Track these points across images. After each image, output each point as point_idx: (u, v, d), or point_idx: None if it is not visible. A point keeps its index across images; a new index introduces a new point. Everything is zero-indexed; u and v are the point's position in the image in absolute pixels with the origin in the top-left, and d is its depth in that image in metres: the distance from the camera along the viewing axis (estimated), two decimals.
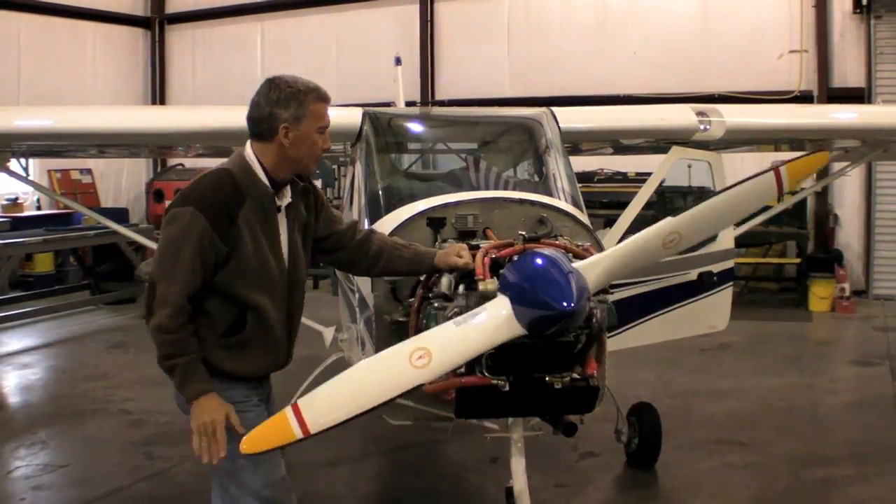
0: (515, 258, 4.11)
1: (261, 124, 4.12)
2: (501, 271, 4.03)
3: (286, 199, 4.20)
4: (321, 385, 3.70)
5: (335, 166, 17.01)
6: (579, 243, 4.73)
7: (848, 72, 15.74)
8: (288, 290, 4.21)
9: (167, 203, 17.63)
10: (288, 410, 3.60)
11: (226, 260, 3.97)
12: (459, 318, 3.90)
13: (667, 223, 3.95)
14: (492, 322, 3.83)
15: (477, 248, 4.48)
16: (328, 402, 3.66)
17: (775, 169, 3.92)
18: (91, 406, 9.37)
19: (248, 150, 4.15)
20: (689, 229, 3.98)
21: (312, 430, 3.58)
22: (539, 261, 3.86)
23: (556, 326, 3.74)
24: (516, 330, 3.81)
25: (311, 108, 4.09)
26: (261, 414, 4.14)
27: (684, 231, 3.97)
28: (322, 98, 4.16)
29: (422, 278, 4.61)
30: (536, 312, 3.72)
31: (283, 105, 4.06)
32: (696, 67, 16.15)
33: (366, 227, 5.27)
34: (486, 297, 4.06)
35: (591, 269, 3.99)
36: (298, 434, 3.57)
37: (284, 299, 4.19)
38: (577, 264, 3.96)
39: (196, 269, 3.89)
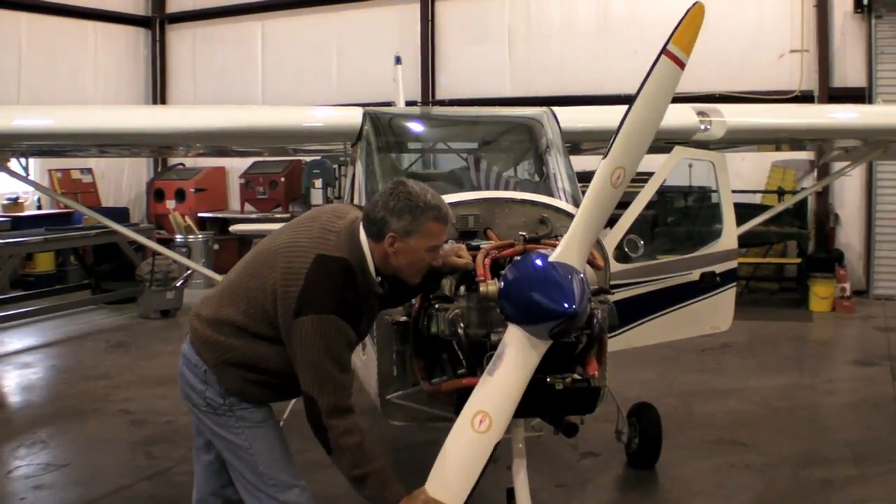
0: (516, 259, 4.11)
1: (372, 225, 4.03)
2: (502, 272, 4.03)
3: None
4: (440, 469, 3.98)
5: (335, 166, 17.02)
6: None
7: (849, 72, 15.72)
8: None
9: (169, 203, 17.54)
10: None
11: None
12: (490, 367, 3.90)
13: (604, 165, 3.84)
14: (520, 354, 3.83)
15: (477, 248, 4.48)
16: (452, 482, 3.94)
17: (664, 52, 3.87)
18: (91, 406, 9.37)
19: (363, 238, 4.06)
20: (625, 158, 3.87)
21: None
22: (539, 263, 3.86)
23: (558, 328, 3.74)
24: (543, 345, 3.85)
25: (426, 226, 3.99)
26: (271, 412, 4.31)
27: (623, 162, 3.87)
28: (441, 218, 4.04)
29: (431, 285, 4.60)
30: (543, 321, 3.72)
31: (398, 215, 3.96)
32: (696, 67, 15.79)
33: None
34: (487, 298, 4.06)
35: (570, 250, 3.93)
36: None
37: None
38: (554, 255, 3.90)
39: (350, 369, 3.97)
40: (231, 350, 4.08)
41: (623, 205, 6.71)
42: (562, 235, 4.84)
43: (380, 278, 4.12)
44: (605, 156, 3.83)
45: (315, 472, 7.12)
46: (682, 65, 3.73)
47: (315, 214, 4.29)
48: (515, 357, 3.84)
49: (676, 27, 3.72)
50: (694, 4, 3.79)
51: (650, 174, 6.79)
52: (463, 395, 4.21)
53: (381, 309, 4.35)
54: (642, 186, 6.68)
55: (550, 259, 3.86)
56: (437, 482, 3.95)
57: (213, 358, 4.11)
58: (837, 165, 10.38)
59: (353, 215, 4.17)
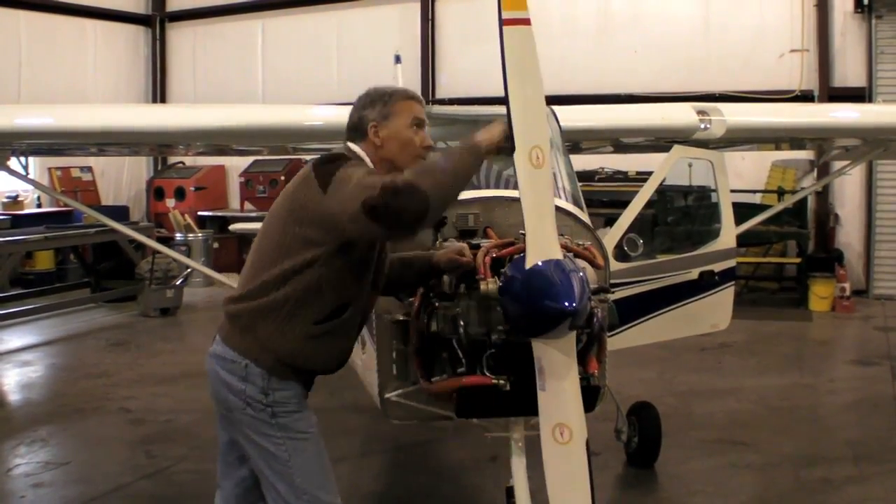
0: (516, 257, 4.10)
1: (354, 130, 4.12)
2: (502, 270, 4.03)
3: None
4: None
5: None
6: (580, 242, 4.72)
7: (849, 71, 15.73)
8: (369, 293, 4.12)
9: (169, 201, 17.56)
10: None
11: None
12: (540, 383, 3.87)
13: (516, 156, 3.78)
14: (559, 358, 3.83)
15: (478, 247, 4.47)
16: None
17: (502, 23, 3.89)
18: (91, 404, 9.37)
19: (353, 144, 4.12)
20: (533, 136, 3.83)
21: None
22: (538, 261, 3.85)
23: (558, 326, 3.74)
24: (570, 340, 3.84)
25: (398, 104, 4.09)
26: (314, 420, 4.11)
27: (535, 140, 3.81)
28: (410, 96, 4.17)
29: (431, 282, 4.59)
30: (538, 312, 3.72)
31: (370, 106, 4.08)
32: (697, 66, 16.13)
33: None
34: (488, 296, 4.06)
35: (537, 245, 3.85)
36: None
37: (366, 302, 4.11)
38: (528, 261, 3.84)
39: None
40: (282, 303, 3.86)
41: (623, 204, 6.74)
42: (562, 234, 4.87)
43: None
44: (511, 146, 3.79)
45: None
46: (527, 22, 3.72)
47: None
48: (557, 362, 3.83)
49: None
50: None
51: (649, 173, 6.79)
52: (463, 393, 4.21)
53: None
54: (641, 185, 6.69)
55: (526, 265, 3.82)
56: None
57: (265, 325, 3.89)
58: (837, 165, 10.38)
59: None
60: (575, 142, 7.43)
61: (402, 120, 4.08)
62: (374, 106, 4.08)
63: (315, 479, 4.01)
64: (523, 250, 4.21)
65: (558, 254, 3.80)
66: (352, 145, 4.11)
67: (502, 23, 3.62)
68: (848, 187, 15.66)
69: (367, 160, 4.03)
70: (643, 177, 12.77)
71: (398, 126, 4.07)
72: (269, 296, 3.89)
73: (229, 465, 4.25)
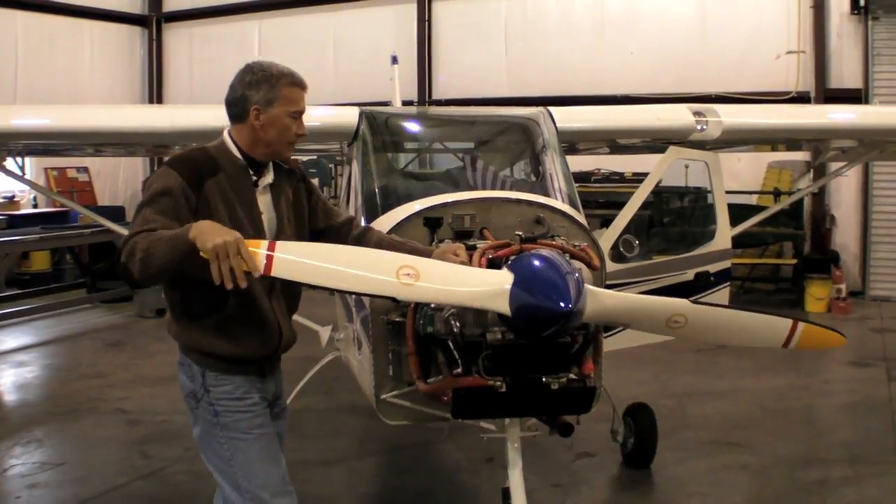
0: (513, 258, 4.10)
1: (234, 106, 4.15)
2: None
3: (268, 178, 4.20)
4: (306, 244, 3.79)
5: (332, 165, 17.00)
6: (576, 243, 4.73)
7: (845, 73, 15.75)
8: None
9: None
10: (263, 244, 3.54)
11: (193, 213, 3.87)
12: (463, 267, 3.95)
13: (680, 304, 4.01)
14: (488, 285, 3.83)
15: (474, 248, 4.47)
16: (302, 260, 3.60)
17: (795, 321, 3.98)
18: (87, 405, 9.36)
19: (225, 133, 4.19)
20: (696, 321, 4.04)
21: (274, 273, 3.53)
22: (535, 262, 3.86)
23: (554, 327, 3.74)
24: (503, 307, 3.81)
25: (284, 91, 4.12)
26: (261, 418, 4.10)
27: (690, 319, 4.02)
28: (295, 83, 4.18)
29: None
30: (533, 309, 3.72)
31: (255, 87, 4.10)
32: (693, 68, 16.14)
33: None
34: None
35: (594, 298, 3.95)
36: (260, 269, 3.48)
37: (262, 284, 4.05)
38: (589, 289, 3.93)
39: (169, 213, 3.78)
40: (173, 302, 4.04)
41: (619, 205, 6.75)
42: (558, 235, 4.87)
43: (265, 170, 4.19)
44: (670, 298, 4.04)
45: (310, 471, 7.14)
46: (786, 344, 4.37)
47: None
48: (482, 283, 3.86)
49: (818, 325, 4.33)
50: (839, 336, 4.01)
51: (646, 174, 6.79)
52: (459, 394, 4.21)
53: (290, 210, 4.29)
54: (637, 186, 6.69)
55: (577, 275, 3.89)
56: (299, 252, 3.65)
57: (173, 326, 4.10)
58: (833, 166, 10.38)
59: None
60: (571, 143, 7.43)
61: (285, 108, 4.12)
62: (259, 88, 4.10)
63: (257, 479, 4.02)
64: (519, 251, 4.22)
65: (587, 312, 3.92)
66: (224, 135, 4.17)
67: (797, 322, 4.22)
68: (844, 188, 15.68)
69: (233, 147, 4.11)
70: (639, 178, 12.79)
71: (279, 114, 4.11)
72: (168, 297, 4.07)
73: None
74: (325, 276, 3.61)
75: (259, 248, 3.50)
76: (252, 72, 4.17)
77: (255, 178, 4.14)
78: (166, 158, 4.14)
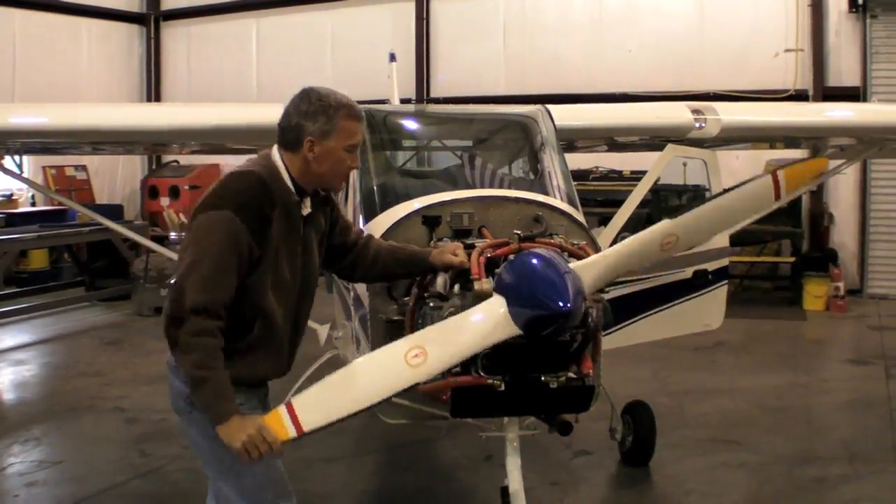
0: (511, 258, 4.10)
1: (287, 134, 4.01)
2: (497, 271, 4.03)
3: (307, 208, 4.09)
4: (316, 383, 3.68)
5: None
6: (575, 242, 4.73)
7: (843, 71, 15.75)
8: (298, 298, 4.11)
9: (163, 200, 17.49)
10: (282, 409, 3.57)
11: (255, 265, 3.84)
12: (456, 318, 3.89)
13: (665, 225, 3.92)
14: (488, 322, 3.81)
15: (472, 246, 4.47)
16: (323, 401, 3.63)
17: (773, 173, 3.89)
18: (85, 403, 9.36)
19: (276, 154, 4.04)
20: (686, 232, 3.95)
21: (306, 428, 3.56)
22: (535, 261, 3.86)
23: (553, 326, 3.74)
24: (512, 330, 3.80)
25: (341, 124, 3.99)
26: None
27: (682, 233, 3.94)
28: (354, 116, 4.04)
29: (417, 277, 4.60)
30: (532, 312, 3.72)
31: (311, 118, 3.96)
32: (691, 65, 16.14)
33: (361, 225, 5.28)
34: (482, 296, 4.06)
35: (589, 269, 3.96)
36: (292, 433, 3.55)
37: (294, 308, 4.09)
38: (574, 265, 3.94)
39: (234, 273, 3.75)
40: None
41: (617, 203, 6.75)
42: (557, 234, 4.87)
43: (307, 201, 4.09)
44: (672, 217, 3.91)
45: (309, 469, 7.14)
46: (778, 196, 3.83)
47: None
48: (484, 324, 3.82)
49: (796, 162, 3.79)
50: (819, 158, 3.90)
51: (644, 172, 6.79)
52: (457, 393, 4.21)
53: (318, 239, 4.24)
54: (636, 184, 6.69)
55: (571, 265, 3.88)
56: (313, 397, 3.68)
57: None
58: (832, 164, 10.39)
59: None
60: (570, 141, 7.43)
61: (341, 141, 4.01)
62: (317, 119, 3.96)
63: (258, 481, 3.99)
64: (518, 250, 4.22)
65: (587, 286, 3.93)
66: (276, 157, 4.03)
67: (773, 173, 3.91)
68: (842, 186, 15.68)
69: (286, 175, 4.00)
70: (637, 176, 12.78)
71: (335, 147, 4.00)
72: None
73: None
74: (350, 403, 3.64)
75: (282, 419, 3.56)
76: (309, 100, 4.00)
77: (302, 212, 4.06)
78: (221, 190, 3.86)
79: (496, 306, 3.82)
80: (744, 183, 3.94)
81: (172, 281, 3.74)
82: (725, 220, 3.99)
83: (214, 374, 3.66)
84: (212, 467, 4.06)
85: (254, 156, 4.13)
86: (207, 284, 3.67)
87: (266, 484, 4.01)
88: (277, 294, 3.94)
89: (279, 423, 3.56)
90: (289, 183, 3.99)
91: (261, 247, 3.83)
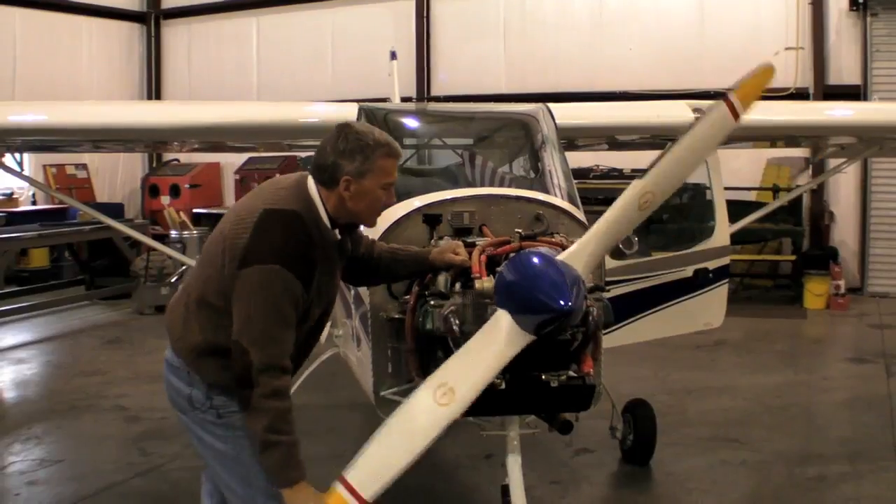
0: (512, 256, 4.10)
1: (323, 172, 3.97)
2: (497, 269, 4.02)
3: (337, 236, 4.10)
4: (361, 452, 3.81)
5: None
6: (575, 240, 4.72)
7: (844, 69, 15.74)
8: (316, 324, 4.14)
9: (163, 199, 17.45)
10: (339, 487, 3.67)
11: (305, 309, 3.88)
12: (469, 345, 3.87)
13: (637, 185, 3.84)
14: (500, 339, 3.80)
15: (473, 245, 4.47)
16: (373, 467, 3.78)
17: (724, 98, 3.85)
18: (86, 402, 9.36)
19: (312, 188, 3.98)
20: (659, 184, 3.87)
21: (369, 498, 3.71)
22: (535, 259, 3.85)
23: (553, 325, 3.73)
24: (525, 338, 3.80)
25: (378, 163, 3.95)
26: None
27: (656, 187, 3.88)
28: (392, 154, 4.01)
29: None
30: (535, 315, 3.71)
31: (348, 157, 3.92)
32: (692, 64, 16.11)
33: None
34: (483, 295, 4.05)
35: (578, 256, 3.93)
36: None
37: (311, 331, 4.12)
38: (562, 255, 3.90)
39: (293, 325, 3.77)
40: (199, 335, 3.93)
41: None
42: (558, 232, 4.86)
43: (336, 230, 4.06)
44: (641, 177, 3.84)
45: (308, 467, 7.11)
46: (737, 117, 3.70)
47: (265, 182, 4.26)
48: (496, 343, 3.81)
49: (743, 79, 3.72)
50: (765, 64, 3.78)
51: (643, 171, 6.78)
52: None
53: (342, 263, 4.23)
54: None
55: (558, 258, 3.86)
56: (378, 451, 3.87)
57: (188, 352, 3.96)
58: (832, 162, 10.39)
59: (301, 173, 4.11)
60: (570, 139, 7.43)
61: (377, 180, 3.98)
62: (354, 158, 3.91)
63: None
64: (519, 249, 4.22)
65: (584, 274, 3.88)
66: (313, 192, 3.98)
67: (724, 97, 3.72)
68: (843, 185, 15.67)
69: (322, 212, 3.97)
70: (638, 175, 12.77)
71: (371, 187, 3.97)
72: (191, 327, 3.96)
73: (208, 496, 4.40)
74: (399, 460, 3.81)
75: (343, 498, 3.73)
76: (346, 139, 3.95)
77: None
78: (266, 239, 3.79)
79: (502, 321, 3.81)
80: (699, 119, 3.88)
81: (233, 338, 3.71)
82: (694, 158, 3.88)
83: (286, 440, 3.71)
84: (218, 462, 4.07)
85: (286, 180, 4.09)
86: (271, 341, 3.69)
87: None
88: (301, 326, 3.93)
89: (342, 502, 3.68)
90: (327, 223, 3.98)
91: (308, 291, 3.84)
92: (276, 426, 3.68)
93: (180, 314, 4.04)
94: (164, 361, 4.12)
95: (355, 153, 3.92)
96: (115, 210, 17.82)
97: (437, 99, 18.14)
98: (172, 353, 4.06)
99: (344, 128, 4.01)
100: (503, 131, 7.18)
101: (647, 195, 3.84)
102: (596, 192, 14.66)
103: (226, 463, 4.02)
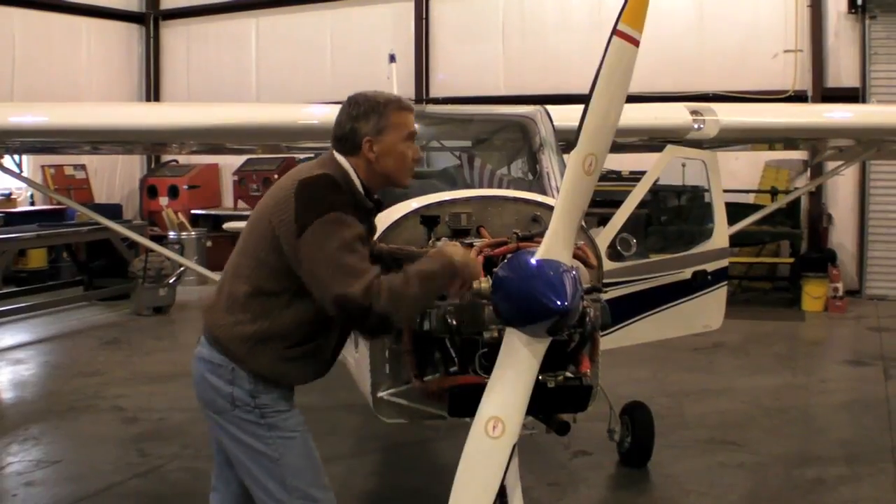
0: (508, 257, 4.10)
1: (345, 142, 4.00)
2: (494, 270, 4.03)
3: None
4: None
5: None
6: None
7: (842, 72, 15.75)
8: None
9: (162, 200, 17.45)
10: None
11: None
12: (497, 372, 3.85)
13: (574, 154, 3.84)
14: (524, 356, 3.80)
15: (471, 246, 4.47)
16: None
17: (615, 32, 3.82)
18: (84, 402, 9.35)
19: (342, 159, 4.01)
20: (595, 144, 3.85)
21: None
22: (532, 259, 3.85)
23: (551, 326, 3.73)
24: (542, 344, 3.81)
25: (393, 118, 3.99)
26: (302, 416, 4.10)
27: (593, 148, 3.85)
28: (403, 108, 4.05)
29: None
30: (542, 322, 3.71)
31: (363, 119, 3.96)
32: (690, 67, 16.13)
33: None
34: (480, 295, 4.05)
35: (554, 245, 3.86)
36: None
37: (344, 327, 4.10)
38: (541, 251, 3.87)
39: (368, 259, 3.78)
40: (253, 327, 3.88)
41: (616, 203, 6.75)
42: None
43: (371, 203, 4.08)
44: (574, 145, 3.82)
45: None
46: (635, 42, 3.69)
47: (291, 170, 4.22)
48: (518, 359, 3.80)
49: (624, 5, 3.70)
50: None
51: (643, 173, 6.79)
52: (455, 393, 4.21)
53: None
54: (635, 185, 6.69)
55: (537, 256, 3.84)
56: (461, 497, 3.92)
57: (241, 343, 3.90)
58: (831, 165, 10.40)
59: (325, 153, 4.15)
60: (569, 141, 7.41)
61: (398, 134, 4.01)
62: (369, 118, 3.96)
63: (306, 476, 4.00)
64: (516, 249, 4.22)
65: (568, 260, 3.82)
66: (341, 159, 4.01)
67: (614, 32, 3.60)
68: (841, 187, 15.68)
69: (355, 178, 3.98)
70: (636, 176, 12.78)
71: (393, 141, 4.00)
72: (242, 317, 3.91)
73: (227, 467, 4.22)
74: (492, 487, 3.85)
75: None
76: (357, 104, 4.01)
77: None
78: (313, 199, 3.78)
79: (517, 339, 3.81)
80: (600, 64, 3.86)
81: (327, 301, 3.67)
82: (615, 102, 3.85)
83: (411, 281, 3.71)
84: (256, 464, 3.99)
85: (312, 161, 4.13)
86: (354, 271, 3.65)
87: (315, 481, 4.05)
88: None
89: None
90: (360, 188, 3.99)
91: (368, 237, 3.91)
92: (400, 289, 3.67)
93: (225, 307, 3.98)
94: (196, 360, 4.06)
95: (369, 114, 3.97)
96: (113, 211, 17.83)
97: (436, 101, 18.15)
98: (213, 349, 3.98)
99: (353, 97, 4.07)
100: (501, 133, 7.18)
101: (588, 158, 3.82)
102: (594, 194, 14.69)
103: (264, 464, 3.96)
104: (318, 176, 3.87)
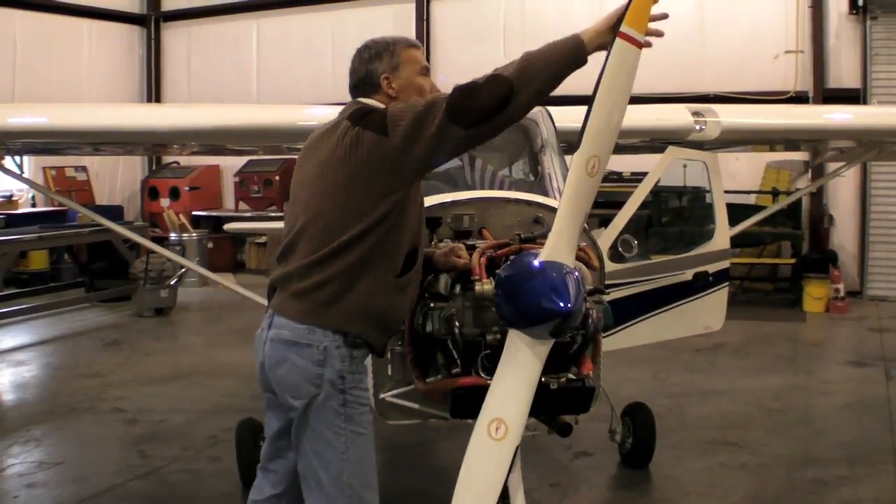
0: (511, 259, 4.11)
1: (363, 86, 4.12)
2: (497, 272, 4.03)
3: None
4: None
5: None
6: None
7: (843, 73, 15.75)
8: (409, 256, 4.07)
9: (163, 201, 17.47)
10: None
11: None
12: (499, 374, 3.84)
13: (577, 156, 3.88)
14: (526, 357, 3.80)
15: (473, 248, 4.48)
16: None
17: (618, 34, 3.84)
18: (85, 404, 9.35)
19: (363, 99, 4.13)
20: (598, 146, 3.89)
21: None
22: (535, 261, 3.85)
23: (553, 327, 3.74)
24: (545, 346, 3.81)
25: (405, 54, 4.12)
26: (371, 443, 4.09)
27: (596, 150, 3.88)
28: (412, 44, 4.19)
29: None
30: (545, 324, 3.71)
31: (377, 59, 4.09)
32: (692, 68, 16.11)
33: None
34: (483, 297, 4.06)
35: (558, 246, 3.85)
36: None
37: (409, 257, 4.07)
38: (544, 253, 3.87)
39: None
40: (365, 263, 3.83)
41: (617, 204, 6.75)
42: None
43: None
44: (577, 147, 3.83)
45: None
46: (638, 45, 3.71)
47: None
48: (521, 360, 3.80)
49: (627, 7, 3.72)
50: None
51: (644, 174, 6.79)
52: (457, 394, 4.21)
53: None
54: (636, 186, 6.69)
55: (540, 258, 3.84)
56: (463, 498, 3.93)
57: (325, 304, 3.83)
58: (832, 166, 10.39)
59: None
60: (570, 142, 7.41)
61: (412, 68, 4.13)
62: (382, 58, 4.08)
63: (361, 475, 3.97)
64: (518, 251, 4.22)
65: (571, 262, 3.81)
66: (366, 100, 4.08)
67: (618, 33, 3.71)
68: (842, 189, 15.68)
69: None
70: (637, 177, 12.78)
71: (410, 75, 4.12)
72: (351, 260, 3.83)
73: (285, 448, 4.18)
74: (494, 488, 3.85)
75: None
76: (367, 48, 4.15)
77: None
78: (359, 110, 3.95)
79: (519, 341, 3.80)
80: (604, 65, 3.87)
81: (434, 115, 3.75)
82: (618, 104, 3.87)
83: (533, 55, 4.02)
84: (317, 452, 3.94)
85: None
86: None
87: (369, 482, 4.02)
88: (419, 223, 4.06)
89: None
90: None
91: None
92: (523, 66, 4.06)
93: (299, 275, 3.90)
94: (273, 344, 3.96)
95: (381, 53, 4.10)
96: (114, 212, 17.85)
97: None
98: (299, 324, 3.89)
99: (364, 44, 4.19)
100: (503, 135, 7.16)
101: (591, 160, 3.84)
102: (596, 196, 14.70)
103: (327, 454, 3.91)
104: (358, 109, 3.98)
